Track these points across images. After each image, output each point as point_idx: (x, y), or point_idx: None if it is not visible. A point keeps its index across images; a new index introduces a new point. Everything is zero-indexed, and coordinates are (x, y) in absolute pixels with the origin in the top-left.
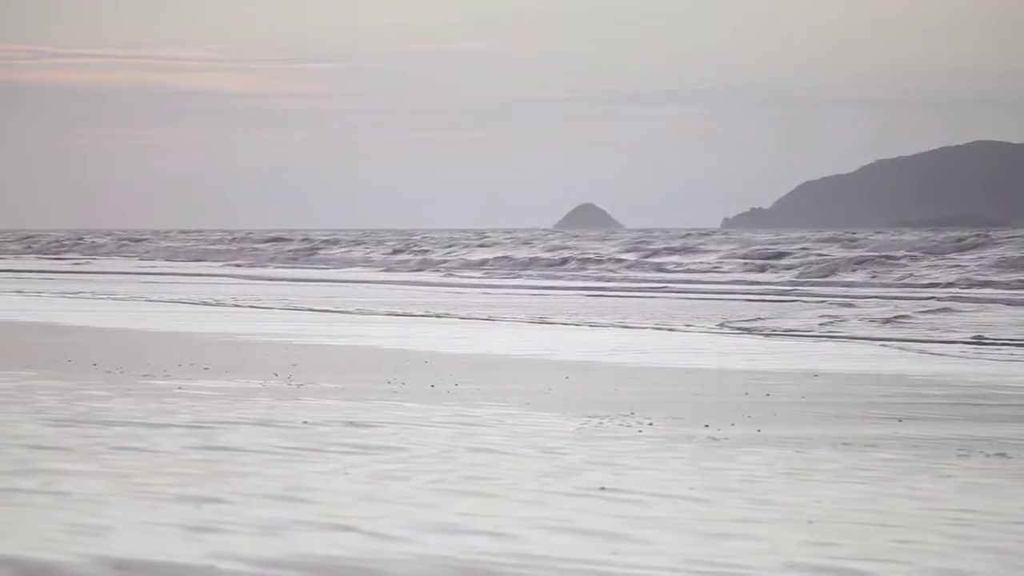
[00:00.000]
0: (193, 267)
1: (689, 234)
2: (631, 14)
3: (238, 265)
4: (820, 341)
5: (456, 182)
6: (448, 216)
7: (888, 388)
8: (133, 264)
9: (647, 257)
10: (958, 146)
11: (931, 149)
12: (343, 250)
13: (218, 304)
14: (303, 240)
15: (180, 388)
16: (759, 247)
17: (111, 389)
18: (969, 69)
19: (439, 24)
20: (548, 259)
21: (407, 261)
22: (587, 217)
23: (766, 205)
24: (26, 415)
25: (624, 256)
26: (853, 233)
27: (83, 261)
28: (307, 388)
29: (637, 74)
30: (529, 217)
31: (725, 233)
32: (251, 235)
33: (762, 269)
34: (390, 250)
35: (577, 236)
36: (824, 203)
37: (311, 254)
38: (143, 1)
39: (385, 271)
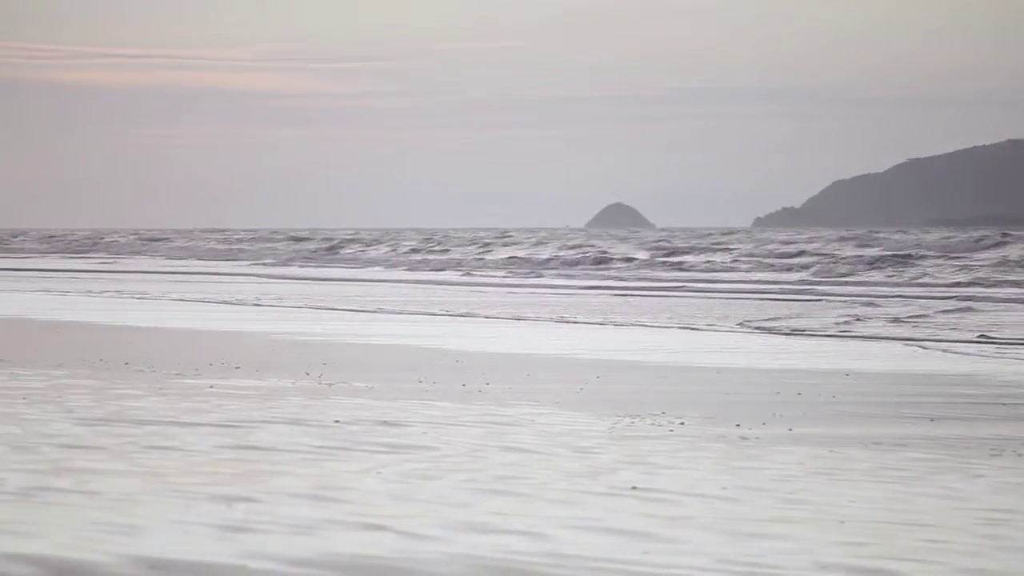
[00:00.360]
0: (218, 266)
1: (710, 233)
2: (661, 12)
3: (264, 264)
4: (846, 340)
5: (483, 181)
6: (475, 215)
7: (919, 387)
8: (159, 263)
9: (668, 256)
10: (990, 145)
11: (963, 148)
12: (361, 249)
13: (244, 304)
14: (323, 239)
15: (212, 387)
16: (775, 246)
17: (143, 388)
18: (1002, 68)
19: (465, 23)
20: (569, 258)
21: (429, 260)
22: (617, 216)
23: (797, 204)
24: (58, 414)
25: (642, 255)
26: (876, 232)
27: (109, 260)
28: (338, 387)
29: (668, 73)
30: (559, 216)
31: (746, 232)
32: (276, 234)
33: (786, 269)
34: (409, 249)
35: (599, 236)
36: (855, 202)
37: (333, 253)
38: (167, 2)
39: (407, 270)
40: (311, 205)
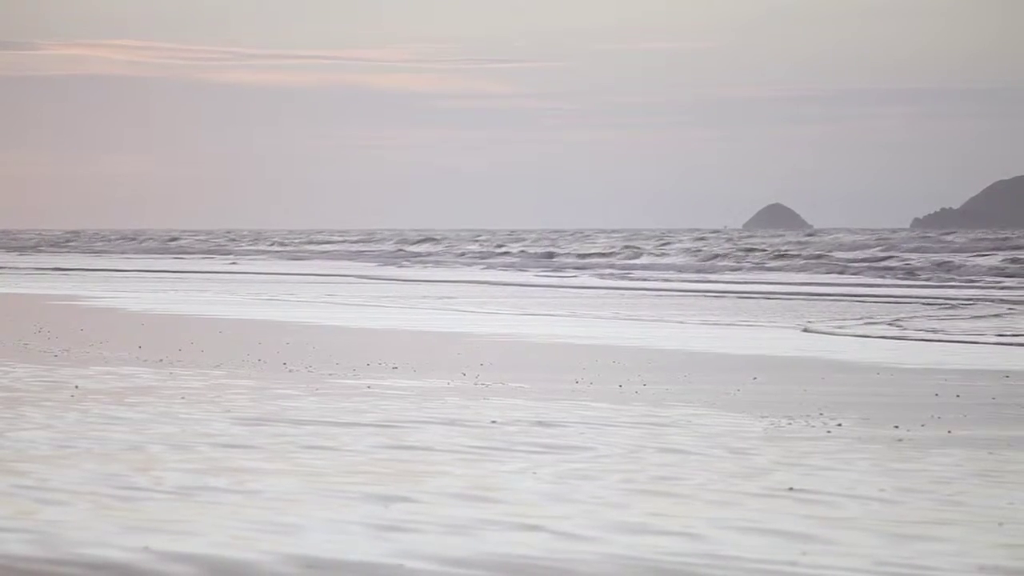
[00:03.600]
0: (379, 271)
1: (848, 232)
2: (825, 14)
3: (482, 267)
4: (1001, 344)
5: (642, 182)
6: (635, 215)
7: None
8: (313, 265)
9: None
10: None
11: None
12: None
13: (410, 306)
14: (439, 240)
15: (369, 387)
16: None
17: (300, 388)
18: None
19: (627, 24)
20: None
21: (570, 263)
22: (776, 217)
23: (956, 205)
24: (216, 414)
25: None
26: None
27: (237, 260)
28: (495, 387)
29: (828, 75)
30: (719, 216)
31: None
32: (448, 235)
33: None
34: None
35: (731, 237)
36: (1015, 203)
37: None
38: (330, 4)
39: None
40: (471, 205)
